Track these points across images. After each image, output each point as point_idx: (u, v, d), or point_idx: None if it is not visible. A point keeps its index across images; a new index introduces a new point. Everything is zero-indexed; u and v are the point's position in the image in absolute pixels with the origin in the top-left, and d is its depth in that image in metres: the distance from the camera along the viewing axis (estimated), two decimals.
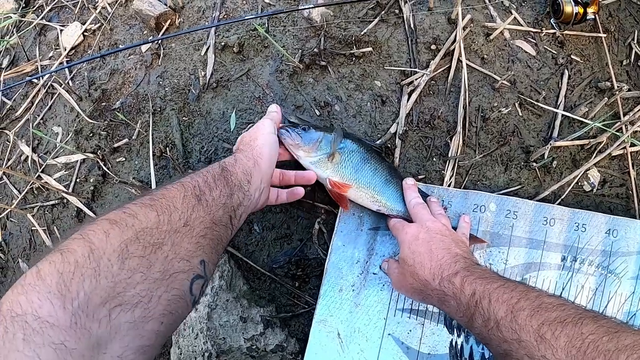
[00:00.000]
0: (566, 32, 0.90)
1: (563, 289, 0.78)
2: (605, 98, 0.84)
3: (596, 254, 0.79)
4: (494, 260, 0.78)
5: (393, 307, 0.75)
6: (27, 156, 1.02)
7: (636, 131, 0.86)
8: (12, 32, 1.17)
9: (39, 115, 1.04)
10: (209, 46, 0.88)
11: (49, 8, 1.13)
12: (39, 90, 1.06)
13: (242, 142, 0.68)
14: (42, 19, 1.13)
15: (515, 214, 0.79)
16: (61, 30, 1.07)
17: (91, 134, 0.94)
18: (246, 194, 0.58)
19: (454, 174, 0.80)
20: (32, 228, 0.98)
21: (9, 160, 1.05)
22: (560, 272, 0.79)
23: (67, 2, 1.11)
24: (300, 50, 0.85)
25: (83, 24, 1.05)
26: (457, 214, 0.78)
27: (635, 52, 0.91)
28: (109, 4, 1.04)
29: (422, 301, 0.68)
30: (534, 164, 0.82)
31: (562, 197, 0.82)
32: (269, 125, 0.69)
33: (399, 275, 0.67)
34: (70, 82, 1.01)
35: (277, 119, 0.73)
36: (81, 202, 0.93)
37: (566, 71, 0.88)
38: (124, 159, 0.90)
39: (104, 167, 0.91)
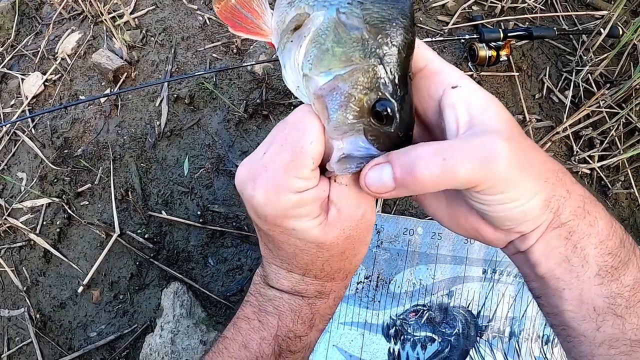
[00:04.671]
0: (483, 73, 1.12)
1: (486, 297, 0.99)
2: None
3: (513, 265, 1.00)
4: (423, 276, 0.98)
5: (336, 321, 0.94)
6: None
7: None
8: None
9: (2, 161, 1.20)
10: (163, 98, 1.07)
11: (9, 57, 1.30)
12: (2, 137, 1.21)
13: (289, 260, 0.38)
14: (3, 67, 1.29)
15: (440, 235, 1.00)
16: (22, 80, 1.24)
17: (55, 180, 1.11)
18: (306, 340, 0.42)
19: (381, 203, 1.00)
20: (1, 269, 1.13)
21: None
22: (482, 284, 0.99)
23: (27, 51, 1.28)
24: (244, 101, 1.04)
25: (44, 73, 1.22)
26: (389, 236, 0.98)
27: (547, 86, 1.14)
28: (68, 55, 1.21)
29: None
30: None
31: None
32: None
33: None
34: (33, 130, 1.17)
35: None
36: (48, 243, 1.08)
37: None
38: (87, 203, 1.06)
39: (69, 211, 1.07)
